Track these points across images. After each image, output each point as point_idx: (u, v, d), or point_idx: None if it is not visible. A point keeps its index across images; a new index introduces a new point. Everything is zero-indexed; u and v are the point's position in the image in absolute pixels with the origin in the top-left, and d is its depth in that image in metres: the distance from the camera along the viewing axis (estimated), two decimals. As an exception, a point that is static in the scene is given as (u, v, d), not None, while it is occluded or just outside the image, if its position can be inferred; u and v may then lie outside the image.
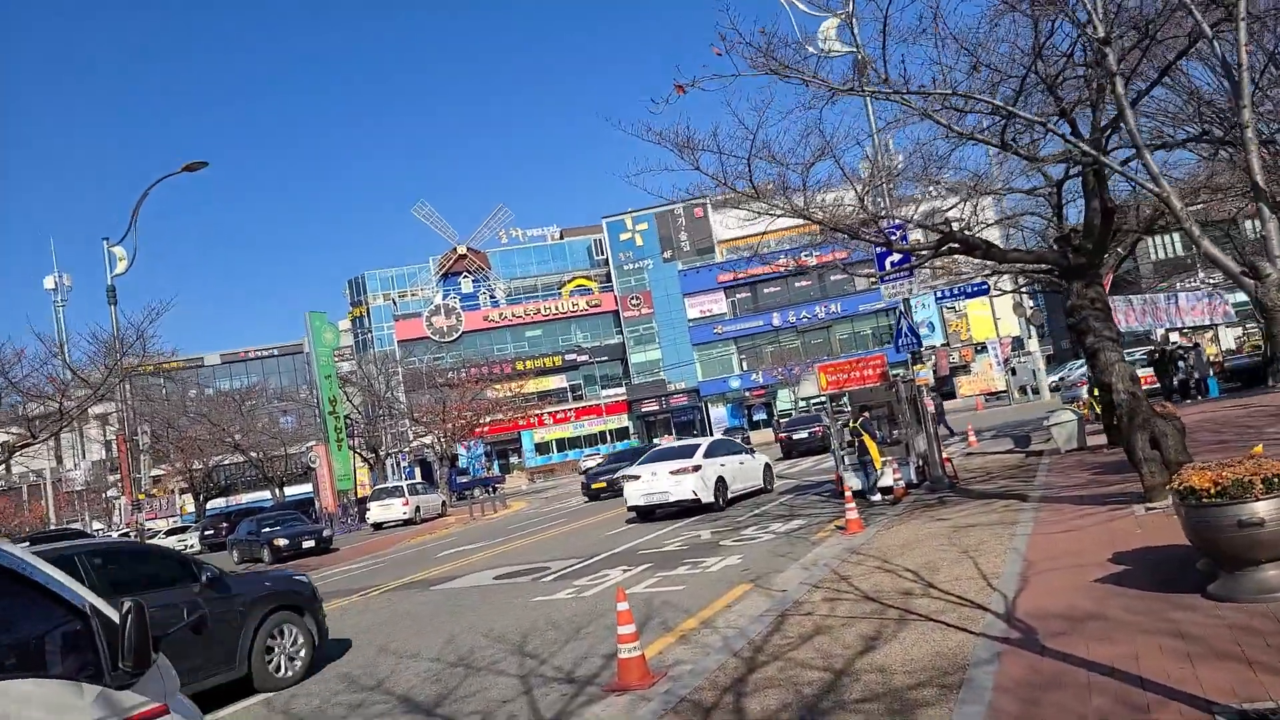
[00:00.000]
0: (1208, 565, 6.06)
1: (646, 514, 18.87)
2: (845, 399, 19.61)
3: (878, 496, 15.55)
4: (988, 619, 6.29)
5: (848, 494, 12.86)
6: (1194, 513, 5.55)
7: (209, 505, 55.89)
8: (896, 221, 13.69)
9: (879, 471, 15.49)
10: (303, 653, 9.02)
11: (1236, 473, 5.39)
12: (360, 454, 48.26)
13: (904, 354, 15.70)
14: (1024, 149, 9.12)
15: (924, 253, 11.38)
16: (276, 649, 8.79)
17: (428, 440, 46.75)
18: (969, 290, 16.07)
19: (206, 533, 43.02)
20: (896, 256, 14.83)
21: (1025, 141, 9.78)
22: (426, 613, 11.82)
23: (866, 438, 15.84)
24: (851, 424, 16.12)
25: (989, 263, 18.46)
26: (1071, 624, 5.73)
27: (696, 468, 18.06)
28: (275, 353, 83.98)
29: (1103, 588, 6.50)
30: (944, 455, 15.46)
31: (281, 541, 27.76)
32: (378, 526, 34.19)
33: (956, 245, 10.87)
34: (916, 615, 6.81)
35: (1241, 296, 30.07)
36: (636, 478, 18.77)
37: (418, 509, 34.11)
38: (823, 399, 17.61)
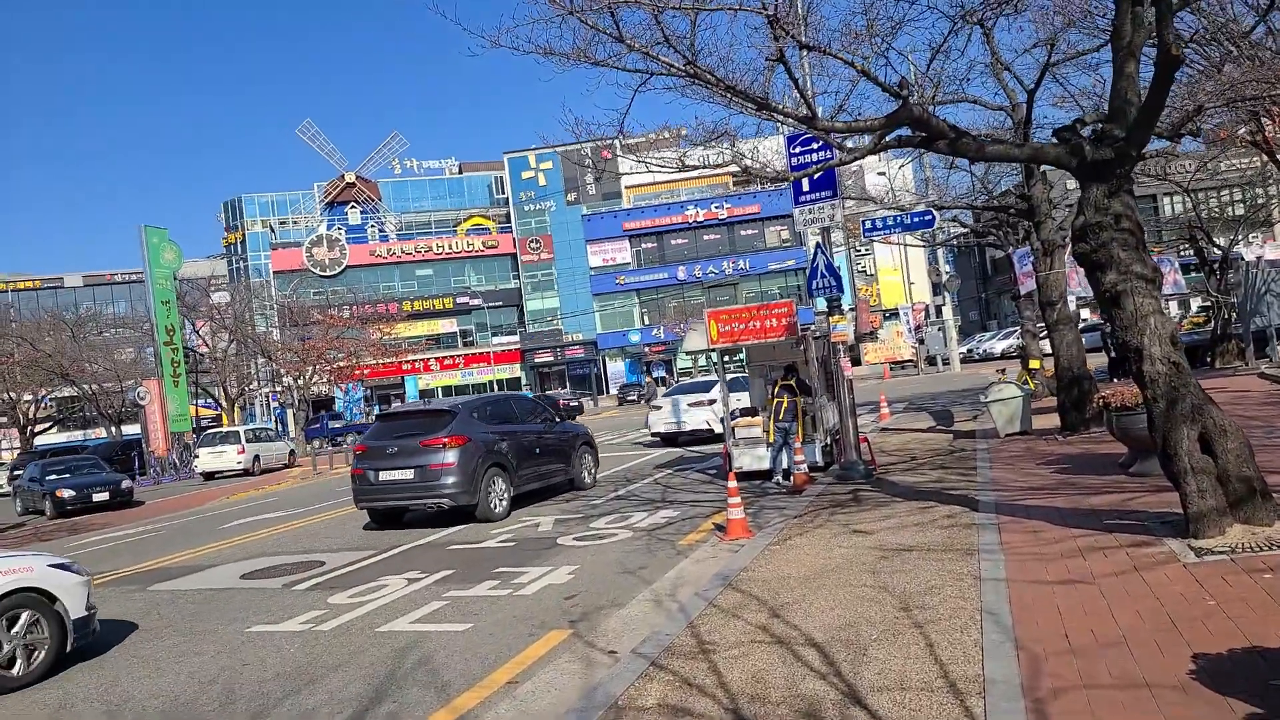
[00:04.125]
0: None
1: (669, 440, 20.60)
2: (743, 356, 16.18)
3: (780, 478, 12.17)
4: None
5: (731, 481, 9.28)
6: None
7: (40, 442, 49.39)
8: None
9: (791, 446, 12.05)
10: (593, 470, 14.55)
11: None
12: (208, 392, 42.83)
13: (816, 301, 12.12)
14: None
15: (859, 145, 7.71)
16: (584, 467, 14.20)
17: (288, 381, 41.50)
18: (910, 221, 12.61)
19: (15, 473, 37.11)
20: (814, 176, 11.18)
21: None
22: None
23: (800, 401, 12.37)
24: (780, 380, 12.62)
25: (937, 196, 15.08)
26: None
27: (712, 401, 18.52)
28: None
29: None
30: (861, 434, 12.07)
31: (66, 493, 22.88)
32: (209, 476, 29.37)
33: (910, 133, 7.22)
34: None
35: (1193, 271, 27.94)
36: (660, 408, 20.93)
37: (256, 458, 29.38)
38: (711, 354, 14.02)
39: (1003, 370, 19.14)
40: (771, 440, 12.55)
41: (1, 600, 6.44)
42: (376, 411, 64.64)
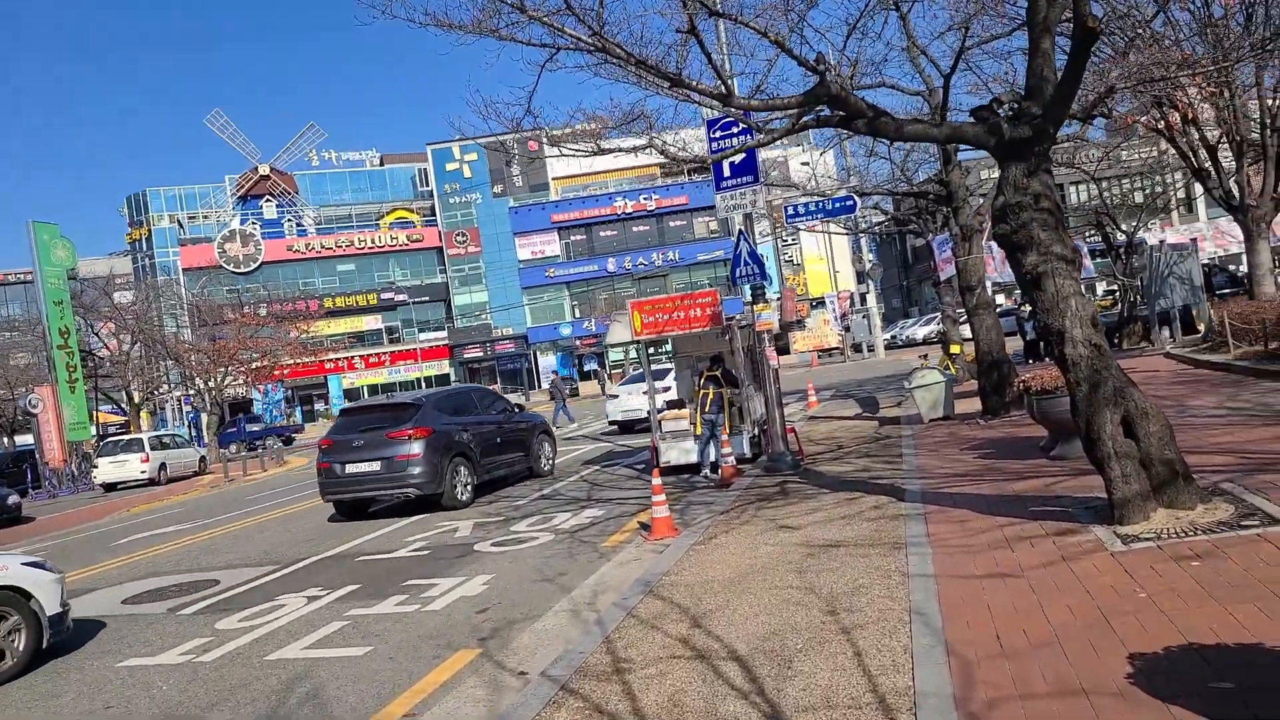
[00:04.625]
0: None
1: (627, 428, 20.74)
2: (668, 348, 15.89)
3: (709, 472, 11.92)
4: None
5: (656, 478, 8.91)
6: None
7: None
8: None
9: (719, 438, 11.80)
10: (553, 458, 15.15)
11: None
12: (111, 398, 40.68)
13: (744, 290, 11.87)
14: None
15: (774, 126, 7.40)
16: (542, 454, 14.78)
17: (200, 384, 39.57)
18: (831, 206, 12.40)
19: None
20: (736, 153, 10.89)
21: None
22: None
23: (727, 392, 12.11)
24: (705, 371, 12.34)
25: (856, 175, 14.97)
26: None
27: (667, 389, 18.02)
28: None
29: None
30: (788, 424, 11.84)
31: (-56, 511, 21.24)
32: (109, 488, 27.76)
33: (829, 112, 6.95)
34: None
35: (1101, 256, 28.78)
36: (616, 396, 21.39)
37: (163, 466, 27.87)
38: (636, 347, 13.66)
39: (925, 355, 19.30)
40: (699, 433, 12.27)
41: None
42: (299, 413, 63.18)
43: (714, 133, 10.94)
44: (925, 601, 5.10)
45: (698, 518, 9.08)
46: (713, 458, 11.99)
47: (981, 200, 16.13)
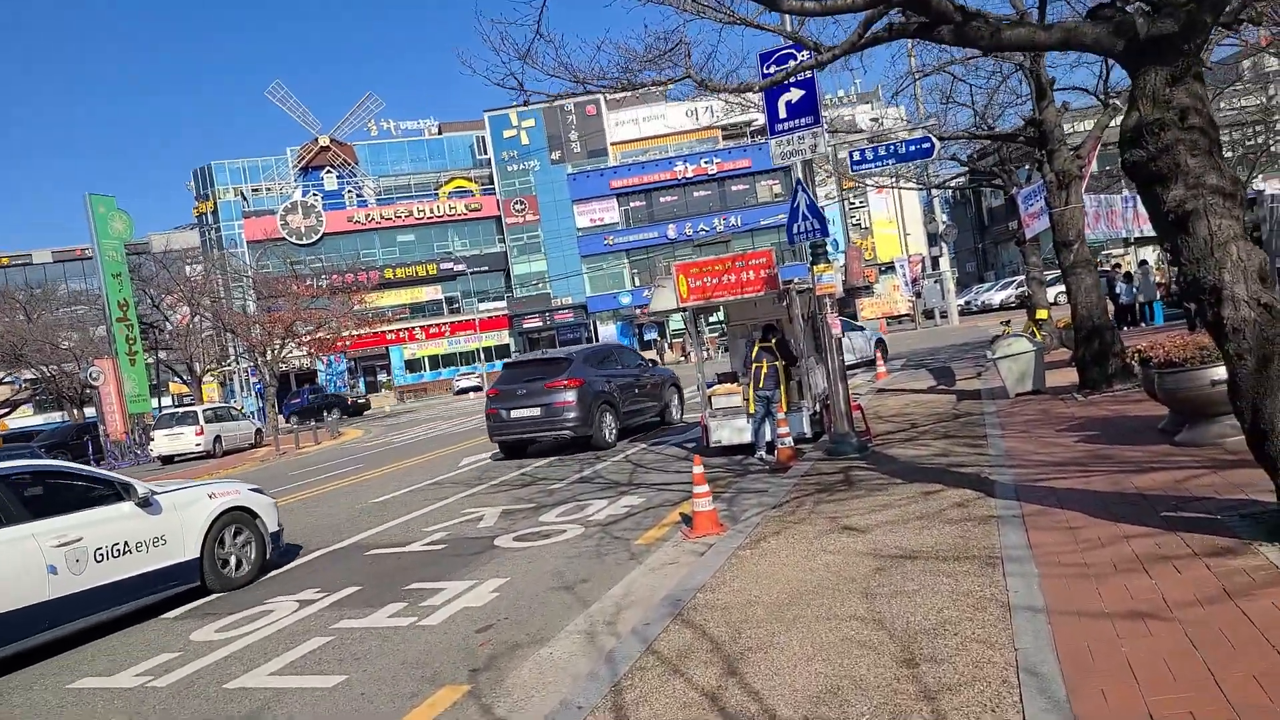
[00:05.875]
0: None
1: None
2: (721, 314, 14.57)
3: (764, 453, 10.65)
4: None
5: (697, 466, 7.66)
6: None
7: (12, 424, 47.70)
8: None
9: (774, 417, 10.51)
10: (680, 407, 16.82)
11: None
12: (173, 369, 41.13)
13: (797, 249, 10.48)
14: None
15: (836, 44, 6.01)
16: (673, 405, 16.58)
17: (258, 356, 39.67)
18: (905, 150, 10.73)
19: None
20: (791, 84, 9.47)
21: None
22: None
23: (782, 365, 10.79)
24: (759, 342, 11.00)
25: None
26: None
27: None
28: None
29: None
30: (854, 399, 10.46)
31: None
32: (166, 460, 27.82)
33: (904, 19, 5.55)
34: None
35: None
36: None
37: (217, 439, 27.77)
38: (683, 315, 12.37)
39: (1007, 322, 17.50)
40: (752, 411, 10.98)
41: (223, 515, 7.74)
42: (361, 384, 63.68)
43: (767, 67, 9.51)
44: (1038, 652, 3.79)
45: (746, 511, 7.85)
46: (768, 438, 10.71)
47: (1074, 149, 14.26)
